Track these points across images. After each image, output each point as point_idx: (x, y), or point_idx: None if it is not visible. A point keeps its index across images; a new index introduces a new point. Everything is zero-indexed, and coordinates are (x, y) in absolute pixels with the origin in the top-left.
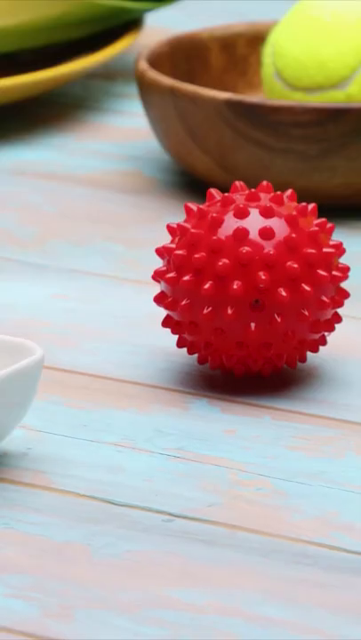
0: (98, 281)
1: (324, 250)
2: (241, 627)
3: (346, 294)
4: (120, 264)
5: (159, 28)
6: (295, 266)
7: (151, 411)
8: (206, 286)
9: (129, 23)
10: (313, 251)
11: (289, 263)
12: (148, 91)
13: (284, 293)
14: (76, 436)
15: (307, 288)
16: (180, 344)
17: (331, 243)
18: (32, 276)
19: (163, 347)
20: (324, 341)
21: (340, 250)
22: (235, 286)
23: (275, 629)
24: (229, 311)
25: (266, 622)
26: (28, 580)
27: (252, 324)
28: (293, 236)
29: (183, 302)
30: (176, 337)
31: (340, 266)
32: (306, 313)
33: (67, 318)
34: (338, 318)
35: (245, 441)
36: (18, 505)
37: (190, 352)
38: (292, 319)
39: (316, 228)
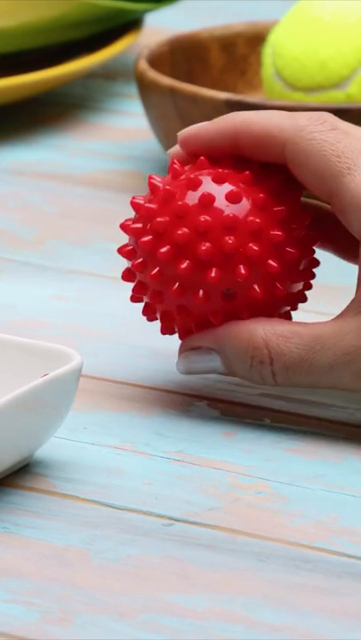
0: (97, 282)
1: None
2: (241, 632)
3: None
4: (120, 265)
5: (159, 27)
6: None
7: (151, 413)
8: (183, 265)
9: (129, 23)
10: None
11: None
12: (147, 91)
13: (258, 289)
14: (76, 438)
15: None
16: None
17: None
18: (31, 276)
19: (162, 348)
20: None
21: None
22: (212, 274)
23: (275, 635)
24: (200, 294)
25: (266, 628)
26: (28, 585)
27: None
28: (261, 195)
29: (154, 271)
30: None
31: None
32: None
33: (66, 319)
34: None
35: (245, 444)
36: (18, 509)
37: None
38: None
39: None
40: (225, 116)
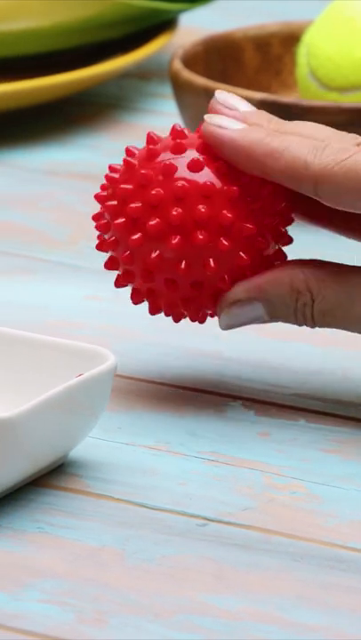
0: None
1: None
2: (275, 632)
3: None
4: None
5: (193, 27)
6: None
7: (186, 413)
8: (153, 255)
9: (163, 23)
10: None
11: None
12: (182, 90)
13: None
14: (110, 439)
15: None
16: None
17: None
18: (65, 276)
19: (197, 349)
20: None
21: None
22: (182, 266)
23: (309, 635)
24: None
25: (300, 628)
26: (63, 586)
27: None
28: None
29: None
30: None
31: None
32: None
33: (100, 319)
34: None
35: (280, 444)
36: (52, 509)
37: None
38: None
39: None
40: (253, 139)
